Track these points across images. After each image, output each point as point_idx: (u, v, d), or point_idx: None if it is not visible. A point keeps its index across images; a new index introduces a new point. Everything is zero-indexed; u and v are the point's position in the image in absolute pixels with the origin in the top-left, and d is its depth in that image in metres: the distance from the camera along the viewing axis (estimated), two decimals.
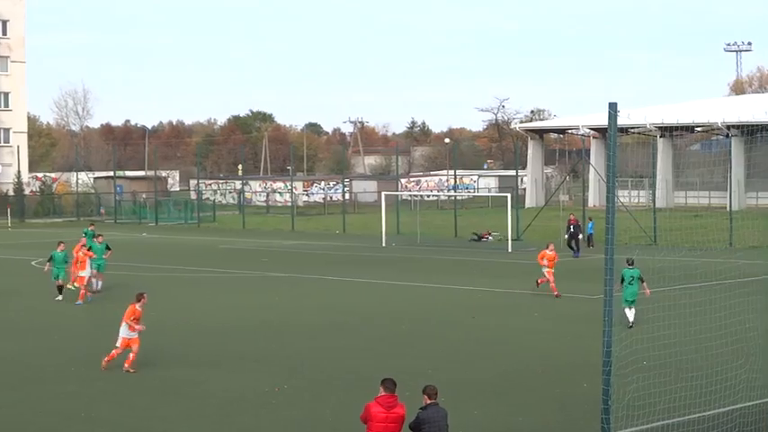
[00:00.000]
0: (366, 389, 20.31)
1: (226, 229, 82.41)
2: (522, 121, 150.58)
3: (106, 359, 25.72)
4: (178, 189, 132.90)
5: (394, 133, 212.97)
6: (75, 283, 38.84)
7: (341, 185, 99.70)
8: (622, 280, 30.63)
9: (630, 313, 30.75)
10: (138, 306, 25.97)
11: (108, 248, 41.91)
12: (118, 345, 25.82)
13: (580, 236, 56.70)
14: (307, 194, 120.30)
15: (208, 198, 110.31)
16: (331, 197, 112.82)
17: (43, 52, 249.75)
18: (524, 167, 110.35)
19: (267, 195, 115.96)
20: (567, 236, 56.52)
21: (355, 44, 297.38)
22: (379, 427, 14.88)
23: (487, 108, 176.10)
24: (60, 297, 38.65)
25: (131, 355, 25.56)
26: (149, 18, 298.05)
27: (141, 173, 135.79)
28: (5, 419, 21.22)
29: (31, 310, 36.65)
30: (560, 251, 43.53)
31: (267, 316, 35.13)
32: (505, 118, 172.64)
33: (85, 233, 49.47)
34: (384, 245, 63.31)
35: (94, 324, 33.28)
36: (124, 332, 25.80)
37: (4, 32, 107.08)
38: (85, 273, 38.43)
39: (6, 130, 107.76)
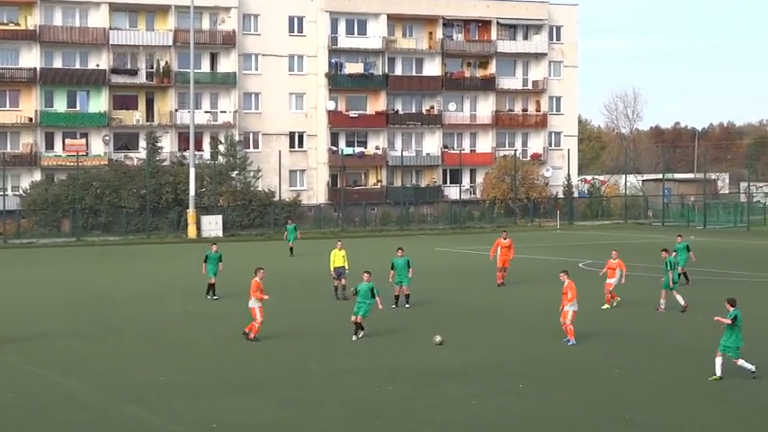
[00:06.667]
0: None
1: None
2: None
3: (247, 329, 30.27)
4: (728, 192, 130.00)
5: None
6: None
7: None
8: None
9: None
10: (257, 279, 30.19)
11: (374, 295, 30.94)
12: (259, 317, 30.07)
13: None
14: None
15: (758, 201, 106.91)
16: None
17: (594, 56, 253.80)
18: None
19: None
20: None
21: None
22: None
23: None
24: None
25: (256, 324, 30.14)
26: (698, 19, 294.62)
27: (690, 175, 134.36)
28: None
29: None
30: None
31: None
32: None
33: (676, 249, 42.52)
34: None
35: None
36: (254, 304, 30.16)
37: (558, 38, 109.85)
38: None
39: (558, 134, 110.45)
